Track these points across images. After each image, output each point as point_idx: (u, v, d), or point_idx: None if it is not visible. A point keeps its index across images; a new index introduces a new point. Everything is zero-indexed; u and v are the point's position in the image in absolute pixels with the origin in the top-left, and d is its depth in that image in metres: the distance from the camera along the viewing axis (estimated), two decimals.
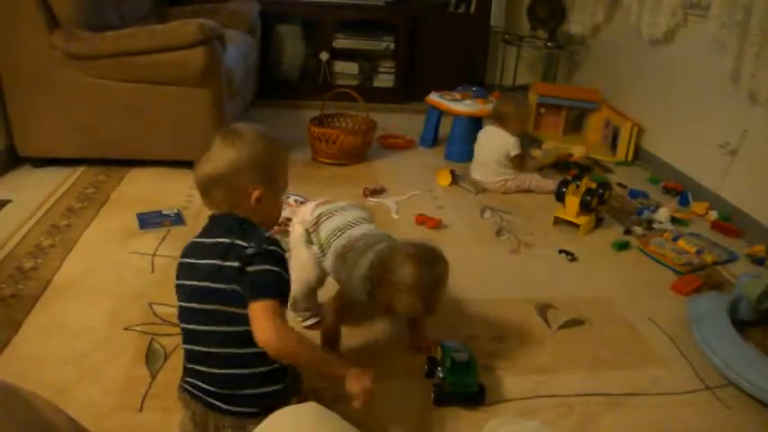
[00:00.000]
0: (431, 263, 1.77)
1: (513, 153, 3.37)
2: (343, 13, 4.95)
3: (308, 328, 2.02)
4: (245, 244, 1.42)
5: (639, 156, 4.08)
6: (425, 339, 2.02)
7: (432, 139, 4.11)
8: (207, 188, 1.50)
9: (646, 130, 4.05)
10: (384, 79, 5.20)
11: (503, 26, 5.27)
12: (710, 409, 1.88)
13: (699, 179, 3.48)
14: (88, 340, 1.96)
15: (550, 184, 3.32)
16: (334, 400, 1.64)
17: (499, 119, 3.42)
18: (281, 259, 1.43)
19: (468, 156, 3.73)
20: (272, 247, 1.43)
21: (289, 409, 1.32)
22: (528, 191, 3.43)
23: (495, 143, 3.42)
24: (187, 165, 3.26)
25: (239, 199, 1.49)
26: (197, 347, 1.46)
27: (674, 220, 3.13)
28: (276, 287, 1.41)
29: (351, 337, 2.06)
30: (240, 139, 1.49)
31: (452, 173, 3.47)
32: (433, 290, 1.75)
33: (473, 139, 3.66)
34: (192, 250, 1.54)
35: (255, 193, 1.48)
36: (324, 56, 4.96)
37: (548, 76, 5.39)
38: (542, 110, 4.48)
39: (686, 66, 3.65)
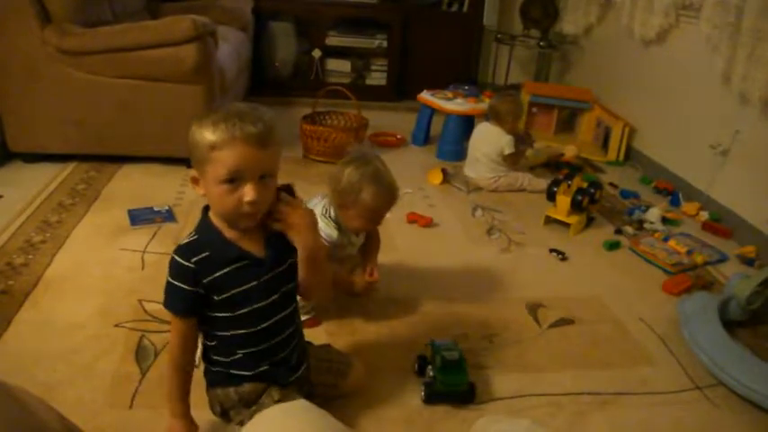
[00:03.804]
0: (363, 156, 2.02)
1: (507, 151, 3.38)
2: (335, 10, 4.96)
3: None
4: None
5: (631, 156, 4.09)
6: (374, 271, 2.15)
7: (423, 138, 4.12)
8: None
9: (637, 130, 4.06)
10: (376, 77, 5.21)
11: (495, 25, 5.28)
12: (700, 409, 1.89)
13: (690, 179, 3.50)
14: (78, 337, 1.95)
15: (542, 183, 3.33)
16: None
17: (495, 116, 3.43)
18: (172, 266, 1.43)
19: (459, 155, 3.74)
20: (174, 255, 1.44)
21: (278, 406, 1.33)
22: (520, 190, 3.44)
23: (489, 140, 3.43)
24: (178, 161, 3.29)
25: None
26: None
27: (664, 220, 3.14)
28: (164, 295, 1.45)
29: (341, 335, 2.07)
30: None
31: (444, 171, 3.47)
32: (383, 175, 2.00)
33: (465, 138, 3.67)
34: None
35: (190, 175, 1.43)
36: (316, 53, 4.96)
37: (540, 76, 5.40)
38: (534, 109, 4.49)
39: (678, 66, 3.66)
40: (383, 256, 2.45)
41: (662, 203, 3.33)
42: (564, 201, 2.94)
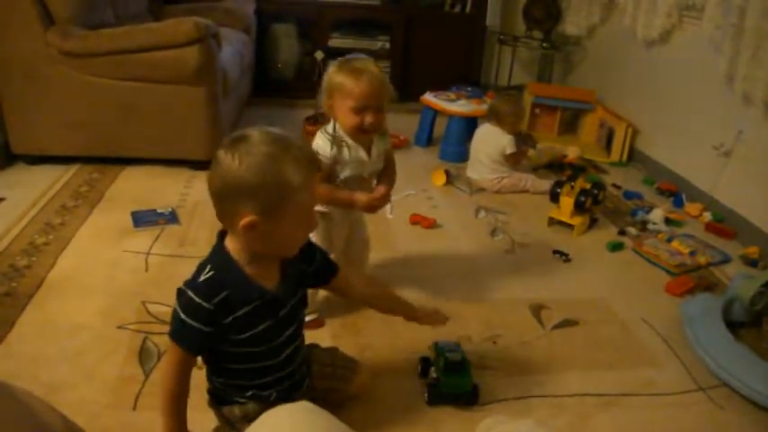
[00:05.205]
0: (350, 57, 1.99)
1: (508, 151, 3.38)
2: (338, 12, 4.96)
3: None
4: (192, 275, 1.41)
5: (634, 157, 4.09)
6: (383, 189, 2.05)
7: (426, 139, 4.12)
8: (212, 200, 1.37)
9: (640, 131, 4.06)
10: None
11: (498, 26, 5.27)
12: (703, 410, 1.89)
13: (693, 180, 3.49)
14: (82, 339, 1.96)
15: (545, 184, 3.32)
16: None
17: (495, 117, 3.43)
18: (187, 304, 1.35)
19: (462, 156, 3.74)
20: (186, 289, 1.36)
21: (282, 407, 1.32)
22: (523, 191, 3.43)
23: (490, 141, 3.43)
24: (181, 163, 3.30)
25: (226, 221, 1.37)
26: None
27: (668, 221, 3.14)
28: (171, 325, 1.40)
29: (345, 336, 2.07)
30: (241, 154, 1.29)
31: (447, 173, 3.47)
32: (364, 62, 1.94)
33: (468, 140, 3.67)
34: None
35: (245, 221, 1.30)
36: (319, 55, 4.95)
37: (543, 77, 5.40)
38: (537, 110, 4.48)
39: (681, 67, 3.65)
40: (386, 257, 2.46)
41: (665, 204, 3.33)
42: (567, 202, 2.94)
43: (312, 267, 1.58)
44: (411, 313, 1.84)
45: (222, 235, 1.43)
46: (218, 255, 1.41)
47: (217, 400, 1.55)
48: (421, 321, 1.85)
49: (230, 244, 1.40)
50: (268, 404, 1.48)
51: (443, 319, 1.88)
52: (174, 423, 1.43)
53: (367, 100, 1.90)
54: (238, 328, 1.40)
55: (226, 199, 1.33)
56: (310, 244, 1.58)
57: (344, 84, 1.88)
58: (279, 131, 1.35)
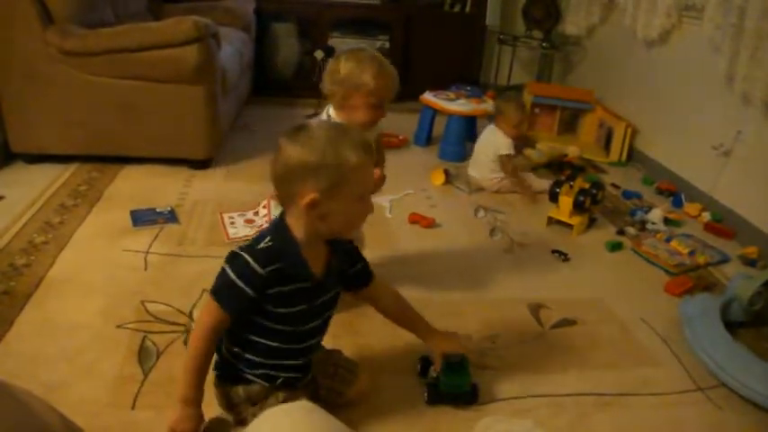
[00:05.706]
0: (356, 47, 2.03)
1: (502, 152, 3.37)
2: (338, 11, 4.97)
3: None
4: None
5: (633, 157, 4.09)
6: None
7: (426, 139, 4.13)
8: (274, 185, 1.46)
9: (640, 131, 4.06)
10: None
11: (498, 26, 5.28)
12: (702, 410, 1.89)
13: (692, 180, 3.49)
14: (81, 338, 1.95)
15: (544, 184, 3.32)
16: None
17: (498, 116, 3.43)
18: (240, 266, 1.41)
19: (461, 155, 3.74)
20: (242, 253, 1.42)
21: (281, 407, 1.33)
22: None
23: (490, 140, 3.43)
24: (181, 162, 3.30)
25: (288, 202, 1.45)
26: None
27: (667, 221, 3.14)
28: (216, 285, 1.44)
29: (344, 336, 2.06)
30: (302, 139, 1.39)
31: (446, 172, 3.47)
32: (379, 57, 1.98)
33: (467, 139, 3.68)
34: None
35: (307, 199, 1.39)
36: (318, 54, 4.95)
37: (542, 77, 5.40)
38: (537, 110, 4.48)
39: (681, 67, 3.66)
40: (385, 256, 2.45)
41: (664, 204, 3.33)
42: (566, 202, 2.94)
43: (352, 270, 1.67)
44: (424, 336, 1.86)
45: (283, 218, 1.49)
46: (278, 229, 1.47)
47: (223, 377, 1.57)
48: (428, 343, 1.85)
49: (295, 228, 1.46)
50: (273, 387, 1.53)
51: (455, 344, 1.85)
52: (194, 383, 1.47)
53: (384, 97, 1.97)
54: (277, 302, 1.45)
55: (289, 181, 1.41)
56: (357, 251, 1.68)
57: (368, 83, 1.92)
58: (335, 121, 1.45)
